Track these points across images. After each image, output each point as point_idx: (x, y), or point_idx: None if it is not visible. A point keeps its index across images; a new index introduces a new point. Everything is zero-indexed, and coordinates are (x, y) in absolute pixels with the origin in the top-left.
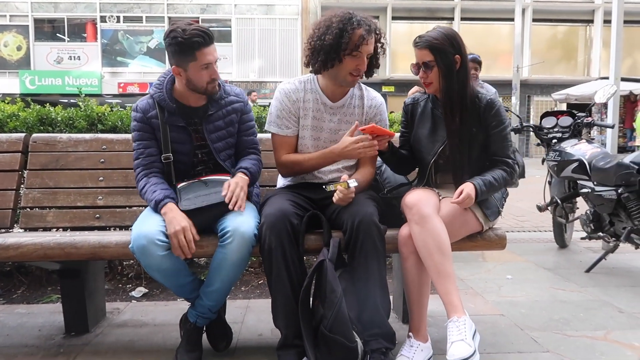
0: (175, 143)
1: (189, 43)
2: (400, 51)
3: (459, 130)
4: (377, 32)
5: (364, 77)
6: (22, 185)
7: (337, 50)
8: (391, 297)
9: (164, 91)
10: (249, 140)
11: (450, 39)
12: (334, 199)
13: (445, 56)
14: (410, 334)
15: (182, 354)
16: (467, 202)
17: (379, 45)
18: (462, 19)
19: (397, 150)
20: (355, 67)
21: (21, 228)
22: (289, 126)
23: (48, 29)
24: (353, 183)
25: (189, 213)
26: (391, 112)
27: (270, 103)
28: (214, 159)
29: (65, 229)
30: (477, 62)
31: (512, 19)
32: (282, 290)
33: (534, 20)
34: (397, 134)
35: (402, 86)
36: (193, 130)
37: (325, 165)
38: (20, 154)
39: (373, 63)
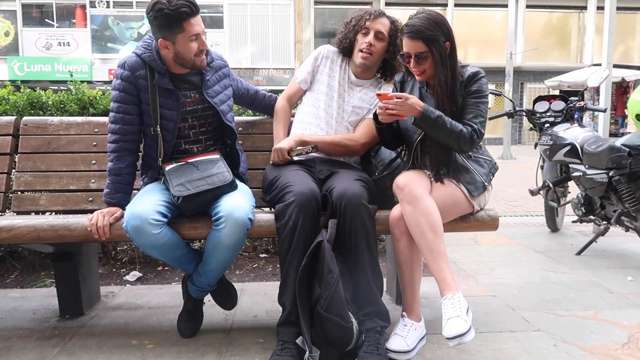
0: (162, 108)
1: (176, 14)
2: None
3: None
4: (393, 23)
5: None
6: (14, 169)
7: (350, 32)
8: (385, 280)
9: (154, 52)
10: (250, 89)
11: (441, 26)
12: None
13: (439, 45)
14: (404, 313)
15: (184, 322)
16: (400, 107)
17: (391, 46)
18: (456, 5)
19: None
20: (364, 43)
21: (13, 212)
22: (299, 77)
23: (36, 14)
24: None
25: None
26: None
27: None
28: (205, 124)
29: (58, 212)
30: None
31: (506, 5)
32: (297, 267)
33: (528, 6)
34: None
35: None
36: (182, 95)
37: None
38: (11, 137)
39: (391, 63)
